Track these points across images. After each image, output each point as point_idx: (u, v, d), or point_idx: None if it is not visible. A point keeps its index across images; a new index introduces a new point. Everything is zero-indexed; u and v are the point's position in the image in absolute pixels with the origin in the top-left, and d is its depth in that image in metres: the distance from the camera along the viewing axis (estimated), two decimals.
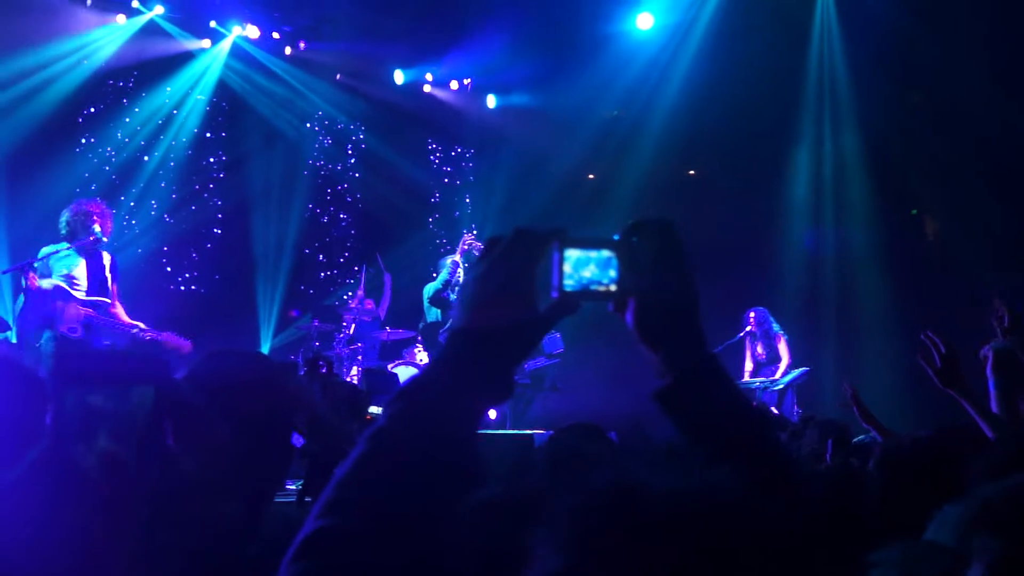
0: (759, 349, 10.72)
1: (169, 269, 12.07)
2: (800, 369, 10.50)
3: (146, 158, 11.89)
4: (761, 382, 10.43)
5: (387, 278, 11.43)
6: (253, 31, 12.36)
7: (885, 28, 11.20)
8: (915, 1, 10.91)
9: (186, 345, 7.67)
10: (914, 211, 13.06)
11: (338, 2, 12.08)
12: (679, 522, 0.87)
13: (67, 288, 7.49)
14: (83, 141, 11.41)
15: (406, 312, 11.53)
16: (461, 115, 14.22)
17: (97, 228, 7.58)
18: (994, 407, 3.52)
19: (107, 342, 7.67)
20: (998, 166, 11.04)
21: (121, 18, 11.46)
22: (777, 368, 10.53)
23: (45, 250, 7.60)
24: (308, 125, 13.38)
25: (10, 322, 7.57)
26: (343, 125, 13.57)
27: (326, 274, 13.47)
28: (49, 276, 7.51)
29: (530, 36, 12.45)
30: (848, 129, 12.66)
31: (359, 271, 11.75)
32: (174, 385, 0.97)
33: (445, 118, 14.13)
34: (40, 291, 7.34)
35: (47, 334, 7.45)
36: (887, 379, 10.30)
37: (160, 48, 11.84)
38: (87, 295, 7.59)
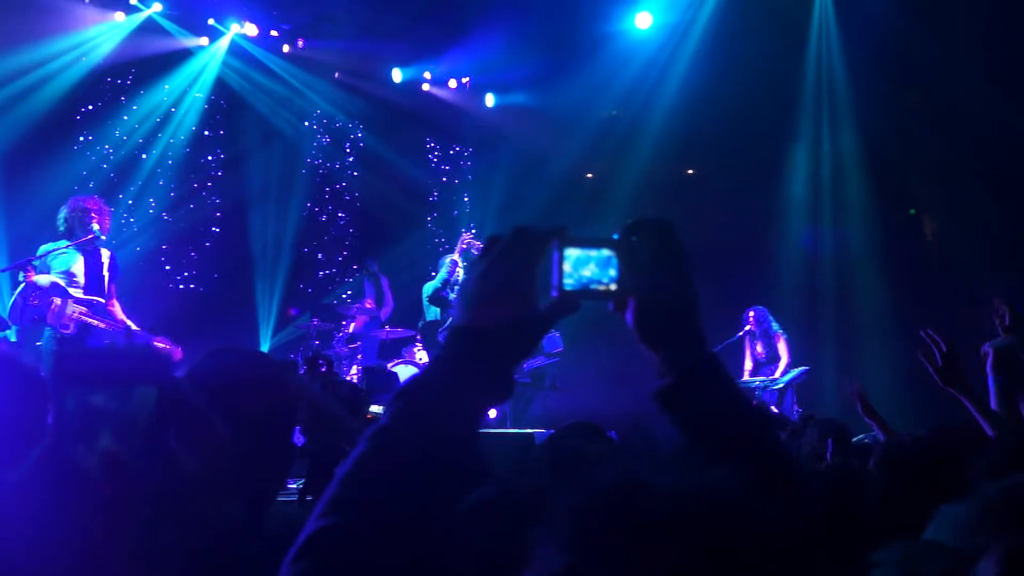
0: (758, 348, 10.72)
1: (168, 267, 12.06)
2: (799, 368, 10.50)
3: (144, 156, 11.88)
4: (761, 381, 10.43)
5: (385, 282, 11.42)
6: (251, 29, 12.36)
7: (883, 28, 11.20)
8: (913, 1, 10.90)
9: (177, 351, 7.64)
10: (912, 211, 13.07)
11: (337, 1, 12.08)
12: (680, 521, 0.87)
13: (64, 285, 7.48)
14: (81, 139, 11.40)
15: (405, 311, 11.52)
16: (460, 114, 14.21)
17: (95, 225, 7.58)
18: (993, 404, 3.53)
19: (106, 340, 7.67)
20: (996, 166, 11.04)
21: (119, 15, 11.45)
22: (776, 367, 10.53)
23: (44, 248, 7.60)
24: (306, 123, 13.37)
25: (4, 316, 7.56)
26: (341, 123, 13.57)
27: (325, 273, 13.46)
28: (48, 273, 7.50)
29: (529, 35, 12.45)
30: (846, 129, 12.67)
31: (362, 280, 11.72)
32: (176, 384, 0.97)
33: (444, 117, 14.12)
34: (36, 287, 7.33)
35: (47, 332, 7.45)
36: (886, 378, 10.30)
37: (158, 45, 11.83)
38: (85, 293, 7.58)
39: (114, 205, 9.61)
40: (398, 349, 11.36)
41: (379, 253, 13.05)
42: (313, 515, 1.09)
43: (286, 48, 12.76)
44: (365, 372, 10.32)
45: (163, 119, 12.07)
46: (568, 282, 1.26)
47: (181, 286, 12.14)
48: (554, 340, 10.77)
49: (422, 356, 10.86)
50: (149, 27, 11.67)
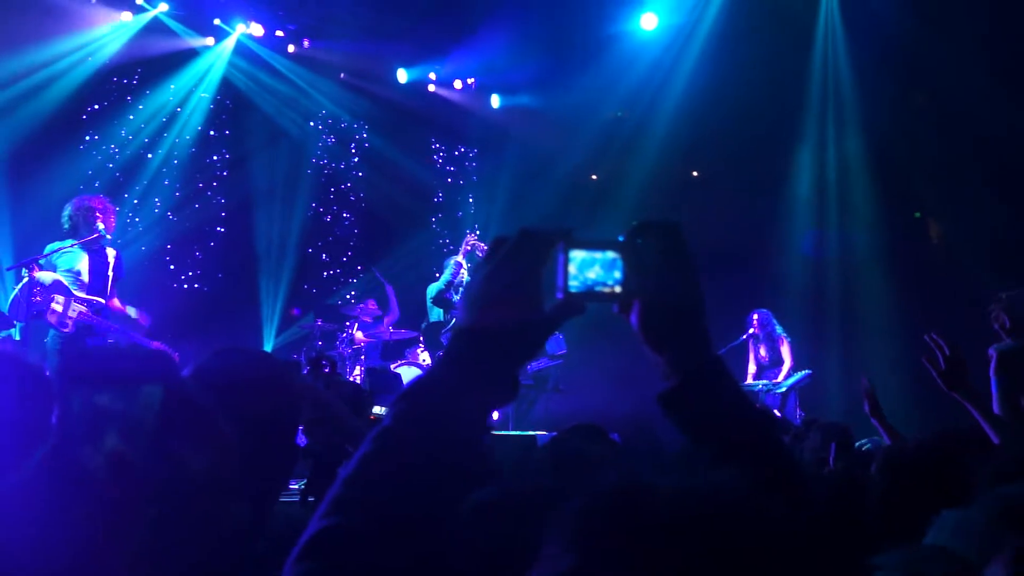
0: (762, 352, 10.72)
1: (172, 267, 12.08)
2: (803, 372, 10.49)
3: (150, 155, 11.91)
4: (764, 385, 10.43)
5: (390, 290, 11.43)
6: (257, 29, 12.37)
7: (889, 30, 11.19)
8: (919, 3, 10.89)
9: (174, 356, 7.65)
10: (918, 214, 13.05)
11: (343, 1, 12.09)
12: (684, 523, 0.87)
13: (66, 284, 7.49)
14: (87, 138, 11.43)
15: (409, 312, 11.53)
16: (465, 115, 14.22)
17: (100, 224, 7.58)
18: (996, 407, 3.53)
19: (110, 340, 7.68)
20: (1002, 169, 11.02)
21: (126, 15, 11.47)
22: (780, 371, 10.52)
23: (50, 247, 7.61)
24: (312, 124, 13.39)
25: (5, 311, 7.58)
26: (347, 124, 13.58)
27: (329, 273, 13.47)
28: (53, 271, 7.52)
29: (534, 36, 12.46)
30: (852, 131, 12.65)
31: (368, 283, 11.73)
32: (182, 384, 0.97)
33: (449, 118, 14.13)
34: (39, 282, 7.34)
35: (52, 332, 7.47)
36: (890, 381, 10.27)
37: (164, 45, 11.86)
38: (89, 292, 7.58)
39: (119, 204, 9.63)
40: (401, 350, 11.37)
41: (384, 254, 13.08)
42: (316, 515, 1.09)
43: (291, 48, 12.78)
44: (368, 373, 10.33)
45: (169, 119, 12.09)
46: (573, 284, 1.26)
47: (186, 286, 12.16)
48: (558, 342, 10.78)
49: (425, 357, 10.86)
50: (155, 27, 11.69)
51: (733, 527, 0.87)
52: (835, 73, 12.59)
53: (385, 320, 11.24)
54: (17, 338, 7.40)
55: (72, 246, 7.56)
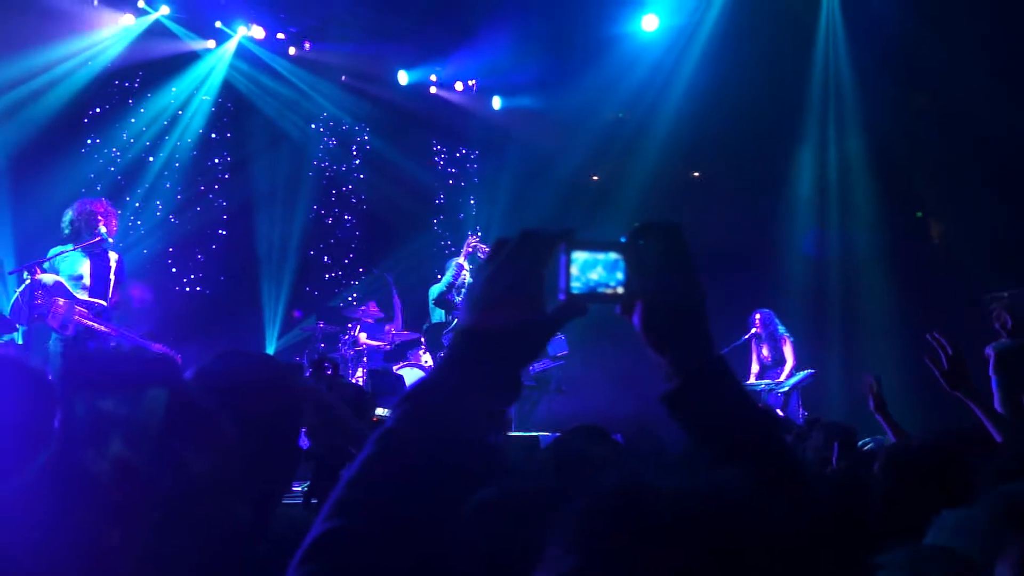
0: (764, 352, 10.72)
1: (174, 270, 12.08)
2: (805, 371, 10.49)
3: (151, 159, 11.91)
4: (766, 384, 10.43)
5: (396, 300, 11.45)
6: (258, 32, 12.37)
7: (890, 31, 11.19)
8: (920, 4, 10.89)
9: (176, 357, 7.65)
10: (919, 213, 13.04)
11: (343, 3, 12.09)
12: (687, 523, 0.87)
13: (68, 287, 7.50)
14: (88, 141, 11.43)
15: (411, 314, 11.54)
16: (466, 116, 14.21)
17: (102, 228, 7.59)
18: (997, 406, 3.53)
19: (108, 344, 7.68)
20: (1003, 169, 11.01)
21: (127, 18, 11.47)
22: (782, 370, 10.52)
23: (53, 251, 7.62)
24: (313, 126, 13.39)
25: (6, 312, 7.59)
26: (348, 126, 13.58)
27: (331, 275, 13.47)
28: (56, 274, 7.53)
29: (535, 37, 12.46)
30: (853, 131, 12.65)
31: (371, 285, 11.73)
32: (186, 387, 0.97)
33: (450, 119, 14.13)
34: (41, 284, 7.35)
35: (54, 335, 7.47)
36: (892, 381, 10.19)
37: (165, 48, 11.86)
38: (90, 295, 7.60)
39: (121, 208, 9.63)
40: (404, 352, 11.37)
41: (385, 256, 13.09)
42: (319, 518, 1.09)
43: (292, 51, 12.78)
44: (370, 375, 10.34)
45: (170, 122, 12.10)
46: (575, 285, 1.26)
47: (187, 288, 12.16)
48: (560, 343, 10.78)
49: (427, 359, 10.86)
50: (156, 30, 11.70)
51: (736, 527, 0.87)
52: (836, 73, 12.59)
53: (387, 327, 11.25)
54: (20, 342, 7.41)
55: (74, 250, 7.57)
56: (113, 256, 7.82)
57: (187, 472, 0.94)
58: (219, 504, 0.97)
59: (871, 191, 12.59)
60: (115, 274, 7.78)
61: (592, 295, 1.27)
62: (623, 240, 1.30)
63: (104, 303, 7.66)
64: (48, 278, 7.43)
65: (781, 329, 10.69)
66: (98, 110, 11.56)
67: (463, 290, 9.95)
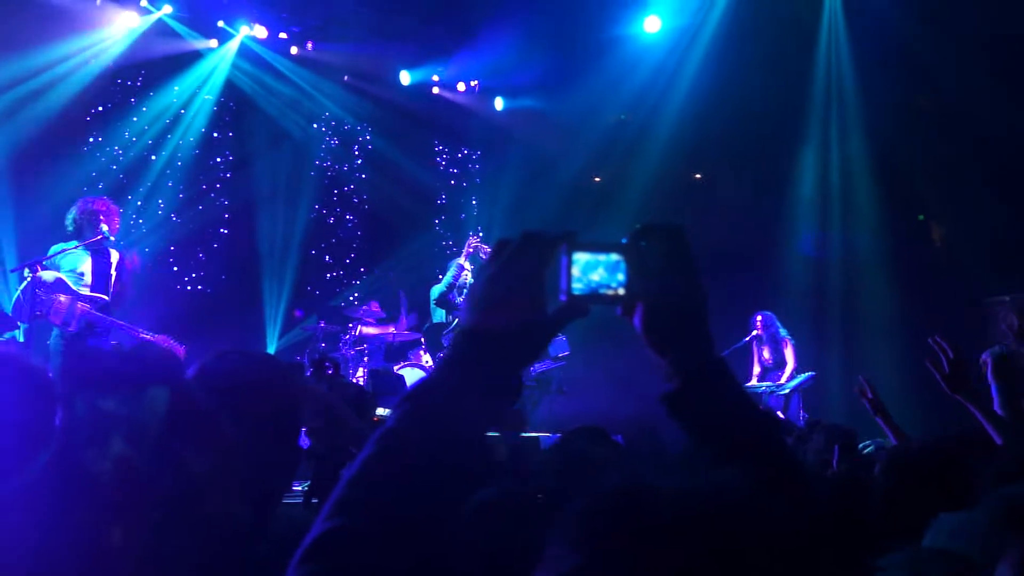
0: (765, 354, 10.71)
1: (176, 269, 12.09)
2: (806, 373, 10.49)
3: (153, 157, 11.92)
4: (767, 386, 10.43)
5: (403, 300, 11.47)
6: (261, 31, 12.37)
7: (892, 32, 11.19)
8: (922, 5, 10.89)
9: (180, 349, 7.69)
10: (921, 216, 13.04)
11: (346, 3, 12.10)
12: (688, 524, 0.87)
13: (69, 282, 7.52)
14: (91, 140, 11.44)
15: (413, 315, 11.54)
16: (468, 117, 14.21)
17: (104, 226, 7.61)
18: (997, 410, 3.53)
19: (112, 338, 7.70)
20: (1005, 171, 11.01)
21: (129, 17, 11.47)
22: (783, 373, 10.52)
23: (54, 248, 7.64)
24: (315, 126, 13.39)
25: (7, 310, 7.60)
26: (350, 126, 13.58)
27: (332, 275, 13.47)
28: (57, 271, 7.55)
29: (538, 38, 12.45)
30: (855, 133, 12.65)
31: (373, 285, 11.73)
32: (187, 387, 0.97)
33: (452, 120, 14.13)
34: (42, 281, 7.37)
35: (55, 332, 7.49)
36: (893, 383, 10.26)
37: (168, 47, 11.86)
38: (92, 292, 7.62)
39: (123, 206, 9.62)
40: (405, 352, 11.37)
41: (387, 256, 13.09)
42: (319, 517, 1.09)
43: (295, 50, 12.78)
44: (371, 375, 10.34)
45: (172, 121, 12.10)
46: (577, 286, 1.26)
47: (189, 287, 12.17)
48: (561, 344, 10.78)
49: (427, 359, 10.87)
50: (159, 29, 11.70)
51: (736, 528, 0.87)
52: (838, 75, 12.59)
53: (392, 326, 11.26)
54: (21, 339, 7.42)
55: (76, 247, 7.59)
56: (114, 254, 7.84)
57: (187, 472, 0.94)
58: (219, 503, 0.97)
59: (873, 193, 12.59)
60: (116, 270, 7.79)
61: (593, 296, 1.27)
62: (624, 241, 1.30)
63: (106, 298, 7.68)
64: (48, 275, 7.44)
65: (782, 331, 10.69)
66: (100, 109, 11.56)
67: (464, 290, 9.95)
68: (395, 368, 10.70)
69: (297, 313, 12.80)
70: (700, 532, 0.86)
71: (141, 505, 0.91)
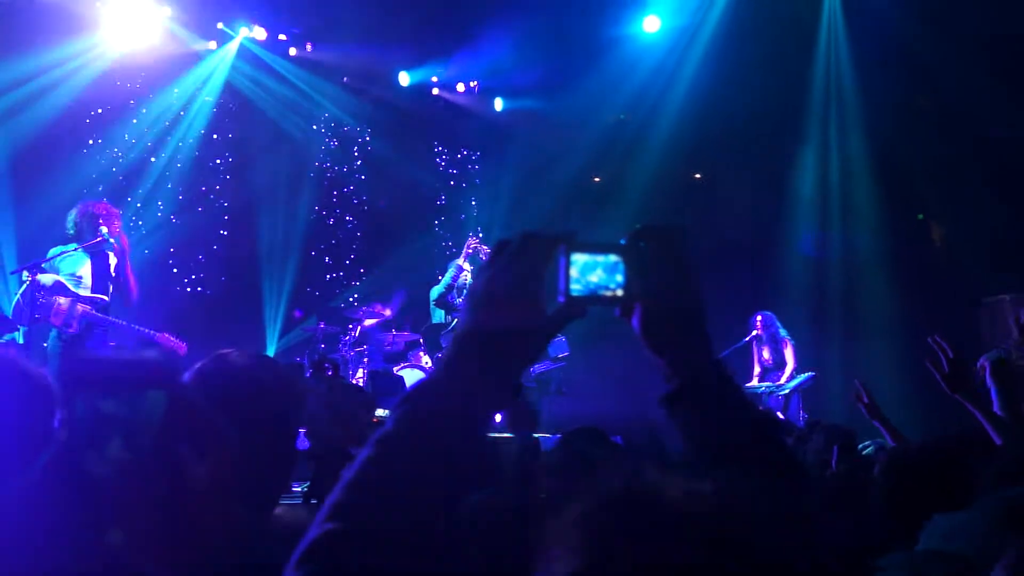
0: (765, 354, 10.71)
1: (175, 270, 12.08)
2: (806, 374, 10.49)
3: (153, 159, 11.91)
4: (767, 387, 10.42)
5: (399, 293, 11.50)
6: (260, 33, 12.37)
7: (892, 32, 11.19)
8: (922, 5, 10.89)
9: (182, 347, 7.70)
10: (920, 215, 13.05)
11: (345, 4, 12.09)
12: (688, 526, 0.87)
13: (68, 285, 7.53)
14: (90, 142, 11.43)
15: (412, 315, 11.54)
16: (468, 118, 14.21)
17: (104, 228, 7.63)
18: (997, 411, 3.53)
19: (112, 339, 7.71)
20: (1005, 170, 11.02)
21: (129, 19, 11.44)
22: (783, 373, 10.52)
23: (53, 251, 7.66)
24: (314, 127, 13.39)
25: (8, 314, 7.61)
26: (349, 127, 13.58)
27: (332, 276, 13.47)
28: (56, 274, 7.55)
29: (537, 39, 12.45)
30: (855, 133, 12.65)
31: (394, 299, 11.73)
32: (185, 389, 0.97)
33: (451, 121, 14.13)
34: (40, 285, 7.38)
35: (53, 333, 7.50)
36: (893, 383, 10.28)
37: (168, 49, 11.84)
38: (92, 293, 7.63)
39: (122, 208, 9.62)
40: (405, 353, 11.37)
41: (386, 257, 13.09)
42: (317, 519, 1.09)
43: (294, 52, 12.78)
44: (371, 376, 10.34)
45: (172, 123, 12.09)
46: (575, 288, 1.26)
47: (189, 289, 12.16)
48: (560, 344, 10.77)
49: (426, 360, 10.87)
50: (158, 31, 11.68)
51: (736, 530, 0.87)
52: (837, 75, 12.59)
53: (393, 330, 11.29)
54: (21, 341, 7.43)
55: (76, 250, 7.61)
56: (113, 257, 7.84)
57: (185, 474, 0.94)
58: (217, 506, 0.97)
59: (872, 192, 12.60)
60: (115, 270, 7.80)
61: (592, 297, 1.27)
62: (623, 242, 1.30)
63: (106, 299, 7.70)
64: (47, 279, 7.46)
65: (782, 332, 10.69)
66: (100, 110, 11.55)
67: (463, 291, 9.95)
68: (395, 369, 10.69)
69: (296, 313, 12.80)
70: (700, 536, 0.86)
71: (140, 508, 0.91)
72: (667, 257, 1.31)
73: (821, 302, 12.61)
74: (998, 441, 3.17)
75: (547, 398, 11.17)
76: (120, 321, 7.77)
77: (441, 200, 14.50)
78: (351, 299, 12.88)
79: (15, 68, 10.26)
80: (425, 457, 1.11)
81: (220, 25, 12.22)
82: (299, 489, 5.51)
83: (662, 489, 0.90)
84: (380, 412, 5.64)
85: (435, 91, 13.87)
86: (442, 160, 14.62)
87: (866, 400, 4.50)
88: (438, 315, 10.57)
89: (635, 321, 1.33)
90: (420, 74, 13.55)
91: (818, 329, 12.12)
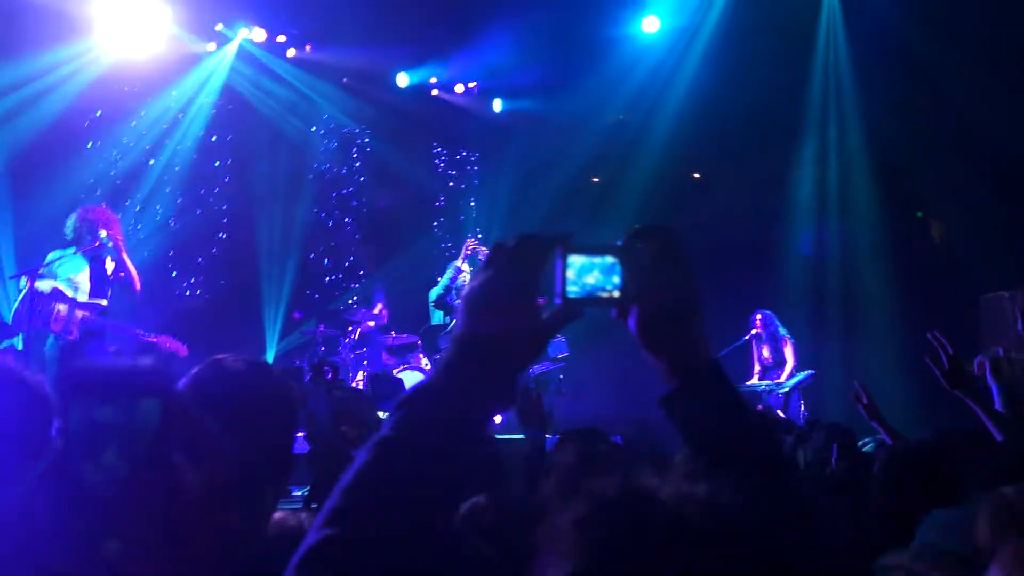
0: (765, 352, 10.71)
1: (174, 273, 12.08)
2: (805, 372, 10.49)
3: (152, 162, 11.91)
4: (767, 385, 10.43)
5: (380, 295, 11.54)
6: (260, 34, 12.36)
7: (891, 31, 11.20)
8: (921, 5, 10.90)
9: (182, 349, 7.71)
10: (920, 214, 13.05)
11: (344, 6, 12.08)
12: (684, 530, 0.87)
13: (65, 291, 7.53)
14: (89, 145, 11.42)
15: (412, 317, 11.54)
16: (467, 119, 14.20)
17: (103, 232, 7.63)
18: (998, 408, 3.53)
19: (112, 348, 7.71)
20: (1003, 168, 11.03)
21: (128, 21, 11.42)
22: (783, 371, 10.52)
23: (52, 255, 7.66)
24: (314, 128, 13.38)
25: (7, 320, 7.62)
26: (349, 128, 13.58)
27: (331, 278, 13.47)
28: (53, 280, 7.56)
29: (536, 40, 12.45)
30: (853, 132, 12.66)
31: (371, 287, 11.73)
32: (180, 397, 0.97)
33: (451, 122, 14.12)
34: (38, 292, 7.39)
35: (51, 339, 7.50)
36: (893, 381, 10.28)
37: (166, 51, 11.83)
38: (91, 297, 7.64)
39: (121, 212, 9.65)
40: (404, 355, 11.37)
41: (385, 258, 13.09)
42: (315, 525, 1.09)
43: (293, 53, 12.76)
44: (371, 379, 10.34)
45: (170, 125, 12.08)
46: (572, 289, 1.26)
47: (188, 292, 12.16)
48: (560, 345, 10.77)
49: (425, 362, 10.87)
50: (157, 33, 11.66)
51: (731, 534, 0.87)
52: (836, 74, 12.60)
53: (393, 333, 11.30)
54: (20, 347, 7.43)
55: (74, 254, 7.61)
56: (109, 262, 7.84)
57: (181, 482, 0.94)
58: (214, 513, 0.97)
59: (871, 191, 12.60)
60: (113, 272, 7.81)
61: (588, 299, 1.26)
62: (620, 244, 1.30)
63: (105, 303, 7.70)
64: (45, 285, 7.47)
65: (782, 331, 10.70)
66: (98, 113, 11.54)
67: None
68: (395, 371, 10.70)
69: (296, 314, 12.80)
70: (697, 539, 0.86)
71: (136, 516, 0.91)
72: (664, 258, 1.31)
73: (820, 301, 12.62)
74: (999, 437, 3.17)
75: (547, 399, 11.15)
76: (120, 325, 7.77)
77: (440, 201, 14.50)
78: (350, 301, 12.88)
79: (13, 71, 10.25)
80: (423, 461, 1.11)
81: (219, 27, 12.21)
82: (299, 494, 5.52)
83: (657, 495, 0.90)
84: (380, 415, 5.65)
85: (434, 92, 13.87)
86: (441, 161, 14.62)
87: (865, 401, 4.52)
88: (437, 316, 10.58)
89: (632, 322, 1.33)
90: (419, 75, 13.54)
91: (817, 327, 12.12)
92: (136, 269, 7.90)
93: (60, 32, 10.73)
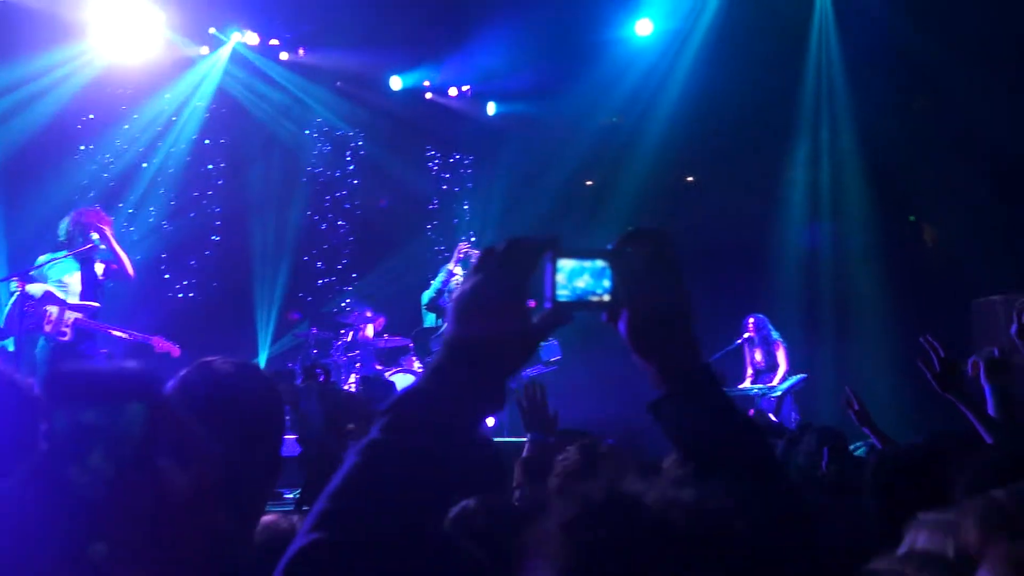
0: (757, 356, 10.71)
1: (167, 276, 12.06)
2: (798, 376, 10.49)
3: (145, 165, 11.90)
4: (759, 389, 10.42)
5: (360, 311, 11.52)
6: (252, 38, 12.35)
7: (883, 33, 11.22)
8: (913, 6, 10.92)
9: (175, 349, 7.70)
10: (912, 217, 13.07)
11: (338, 9, 12.07)
12: (670, 536, 0.87)
13: (56, 293, 7.52)
14: (82, 148, 11.40)
15: (404, 320, 11.53)
16: (460, 122, 14.20)
17: (95, 235, 7.62)
18: (991, 411, 3.54)
19: (104, 350, 7.69)
20: (997, 171, 11.05)
21: (121, 24, 11.40)
22: (775, 375, 10.52)
23: (42, 258, 7.65)
24: (307, 132, 13.38)
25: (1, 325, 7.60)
26: (342, 132, 13.58)
27: (324, 281, 13.46)
28: (44, 283, 7.55)
29: (530, 43, 12.45)
30: (846, 135, 12.68)
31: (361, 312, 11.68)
32: (167, 400, 0.96)
33: (444, 125, 14.12)
34: (29, 296, 7.38)
35: (41, 341, 7.49)
36: (885, 384, 10.30)
37: (160, 54, 11.81)
38: (82, 300, 7.62)
39: (114, 214, 9.62)
40: (396, 358, 11.36)
41: (378, 262, 13.08)
42: (302, 529, 1.08)
43: (286, 56, 12.75)
44: (363, 381, 10.33)
45: (164, 128, 12.07)
46: (562, 293, 1.26)
47: (180, 295, 12.14)
48: (552, 348, 10.76)
49: (418, 364, 10.86)
50: (150, 36, 11.64)
51: (719, 539, 0.87)
52: (829, 77, 12.62)
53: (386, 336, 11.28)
54: (11, 349, 7.41)
55: (66, 256, 7.59)
56: (99, 265, 7.83)
57: (168, 484, 0.94)
58: (201, 517, 0.97)
59: (864, 194, 12.62)
60: (104, 273, 7.80)
61: (578, 303, 1.26)
62: (610, 248, 1.30)
63: (97, 305, 7.69)
64: (36, 289, 7.46)
65: (774, 334, 10.69)
66: (91, 116, 11.52)
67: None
68: (387, 374, 10.69)
69: (294, 316, 12.78)
70: (683, 544, 0.86)
71: (122, 520, 0.91)
72: (654, 262, 1.31)
73: (813, 304, 12.63)
74: (989, 440, 3.17)
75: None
76: (112, 327, 7.76)
77: (433, 204, 14.49)
78: (343, 304, 12.87)
79: (7, 74, 10.24)
80: (412, 464, 1.11)
81: (212, 30, 12.20)
82: (291, 496, 5.51)
83: (643, 500, 0.90)
84: None
85: (427, 95, 13.87)
86: (434, 164, 14.61)
87: (856, 407, 4.52)
88: (429, 319, 10.58)
89: (622, 326, 1.33)
90: (412, 78, 13.55)
91: (810, 330, 12.13)
92: (128, 257, 7.88)
93: (54, 35, 10.72)
